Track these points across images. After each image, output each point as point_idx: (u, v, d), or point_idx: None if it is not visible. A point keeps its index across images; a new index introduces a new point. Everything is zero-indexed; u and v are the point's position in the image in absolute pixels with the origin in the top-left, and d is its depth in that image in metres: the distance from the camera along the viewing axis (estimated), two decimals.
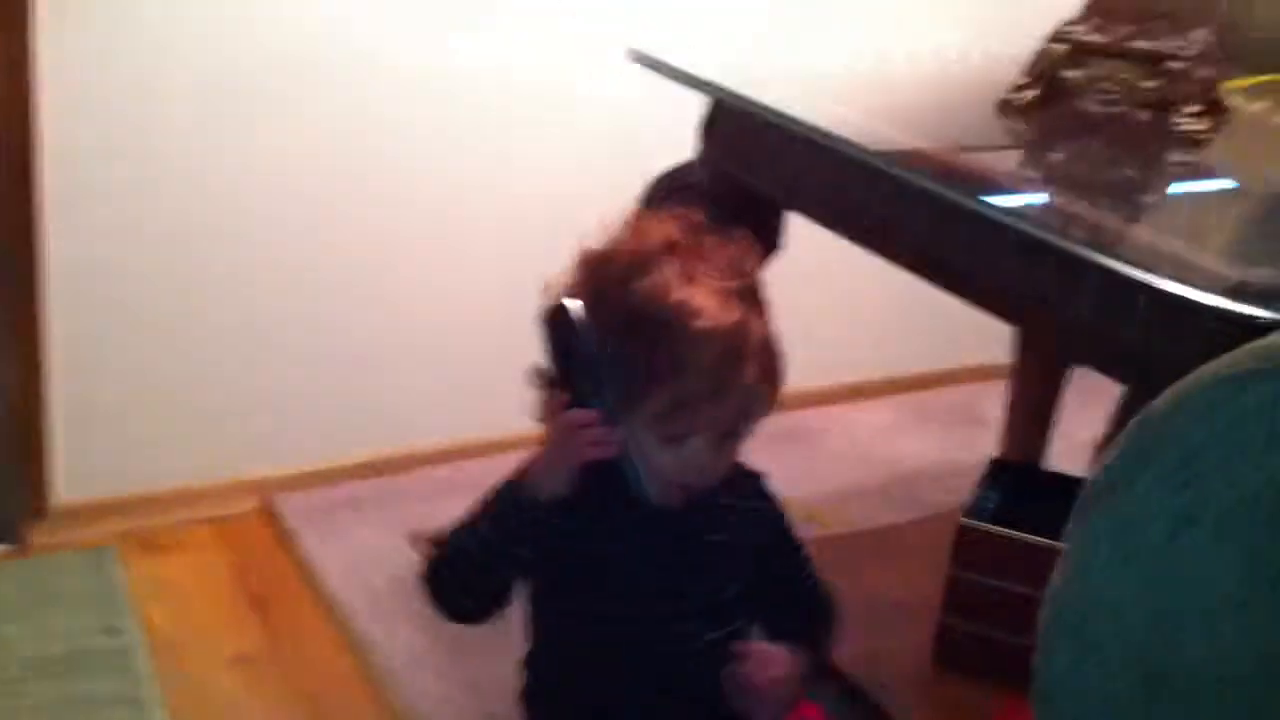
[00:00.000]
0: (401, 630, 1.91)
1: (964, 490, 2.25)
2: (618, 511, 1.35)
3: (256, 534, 2.18)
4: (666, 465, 1.32)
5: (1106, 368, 1.27)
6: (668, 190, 1.81)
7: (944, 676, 1.71)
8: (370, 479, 2.30)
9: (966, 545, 1.68)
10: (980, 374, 2.84)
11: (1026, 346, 2.07)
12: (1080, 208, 1.35)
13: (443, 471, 2.32)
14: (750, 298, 1.31)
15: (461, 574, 1.36)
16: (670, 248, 1.30)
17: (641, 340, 1.27)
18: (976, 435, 2.58)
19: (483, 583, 1.36)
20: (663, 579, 1.40)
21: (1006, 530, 1.67)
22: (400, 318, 2.29)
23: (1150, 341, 1.17)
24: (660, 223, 1.35)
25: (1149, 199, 1.50)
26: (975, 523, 1.69)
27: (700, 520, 1.40)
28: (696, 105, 1.74)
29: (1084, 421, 2.09)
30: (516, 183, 2.30)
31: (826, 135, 1.48)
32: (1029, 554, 1.65)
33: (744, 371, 1.28)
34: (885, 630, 1.78)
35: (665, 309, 1.27)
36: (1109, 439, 1.18)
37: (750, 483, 1.47)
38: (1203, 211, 1.46)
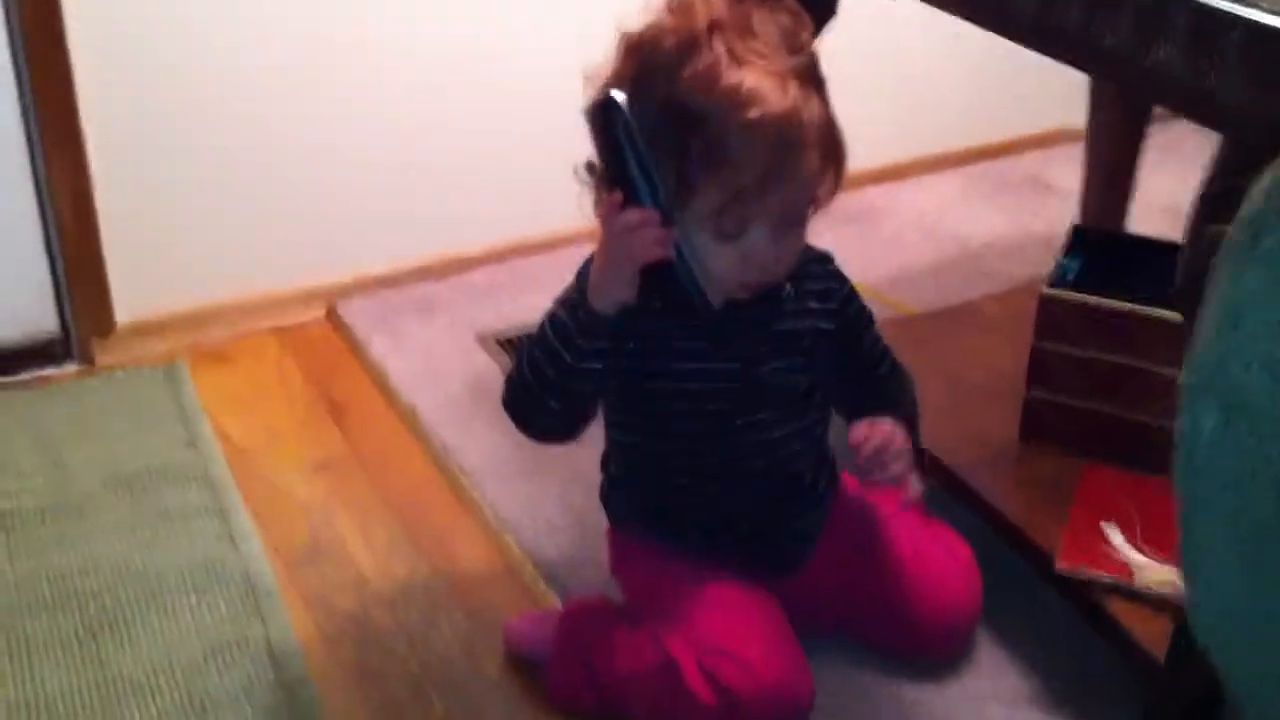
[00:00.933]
0: (479, 432, 1.90)
1: (1039, 262, 2.19)
2: (683, 311, 1.31)
3: (324, 341, 2.16)
4: (727, 263, 1.28)
5: (1197, 114, 1.18)
6: None
7: (1030, 452, 1.68)
8: (431, 281, 2.27)
9: (1050, 315, 1.63)
10: (1048, 140, 2.76)
11: (1102, 106, 1.99)
12: None
13: (501, 272, 2.29)
14: (805, 77, 1.25)
15: (539, 394, 1.33)
16: (716, 26, 1.22)
17: (691, 131, 1.21)
18: (1049, 204, 2.52)
19: (562, 400, 1.33)
20: (731, 375, 1.38)
21: (1091, 297, 1.61)
22: (446, 121, 2.23)
23: (1244, 85, 1.09)
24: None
25: None
26: (1059, 291, 1.64)
27: (766, 311, 1.37)
28: None
29: (1164, 186, 2.05)
30: None
31: None
32: (1116, 321, 1.60)
33: (803, 159, 1.23)
34: (967, 409, 1.75)
35: (714, 96, 1.20)
36: (1210, 192, 1.13)
37: (818, 266, 1.42)
38: None
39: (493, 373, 2.03)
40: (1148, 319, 1.59)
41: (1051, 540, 1.50)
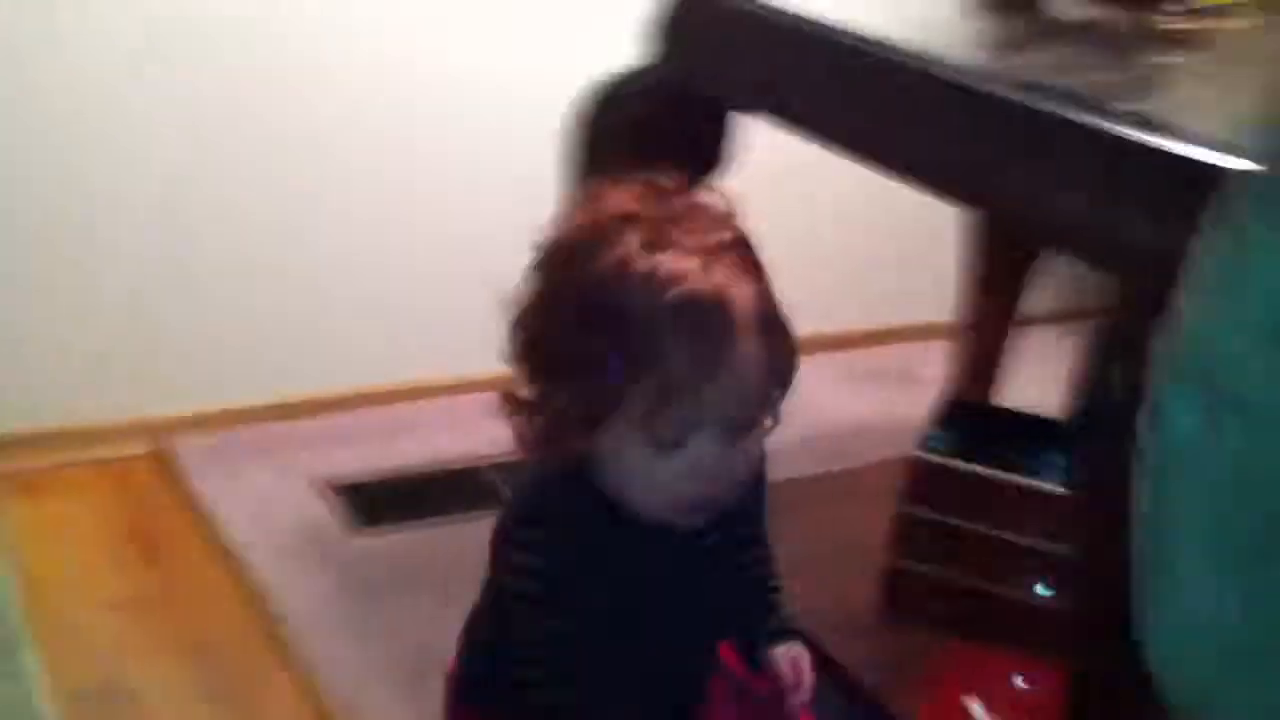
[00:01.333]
0: (305, 580, 1.75)
1: (905, 446, 2.15)
2: (640, 546, 1.15)
3: (147, 477, 2.01)
4: (671, 479, 1.10)
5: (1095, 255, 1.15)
6: (607, 102, 1.67)
7: (892, 625, 1.59)
8: (270, 423, 2.13)
9: (919, 480, 1.57)
10: (918, 333, 2.75)
11: (981, 288, 1.97)
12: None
13: (347, 420, 2.17)
14: (733, 257, 1.08)
15: None
16: (628, 214, 1.08)
17: (604, 331, 1.05)
18: (915, 394, 2.48)
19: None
20: (691, 605, 1.27)
21: (960, 462, 1.55)
22: (300, 260, 2.14)
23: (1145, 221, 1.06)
24: (617, 191, 1.12)
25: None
26: (928, 455, 1.58)
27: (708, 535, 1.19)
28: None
29: (1028, 387, 2.04)
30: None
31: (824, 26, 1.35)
32: (984, 489, 1.54)
33: (737, 345, 1.06)
34: (829, 578, 1.66)
35: (626, 285, 1.05)
36: (1107, 332, 1.08)
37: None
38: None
39: (327, 521, 1.89)
40: (1017, 487, 1.53)
41: (912, 713, 1.40)
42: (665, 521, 1.13)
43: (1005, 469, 1.55)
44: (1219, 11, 1.60)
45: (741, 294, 1.07)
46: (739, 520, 1.27)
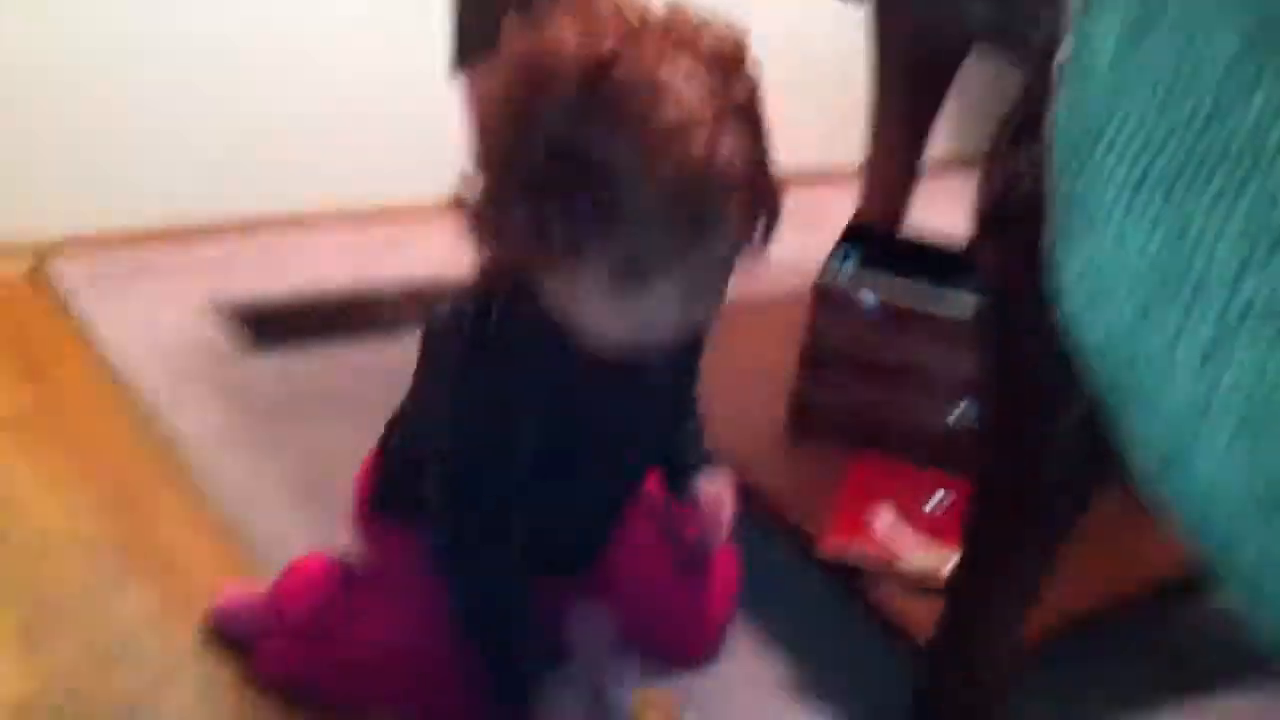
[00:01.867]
0: (197, 400, 1.70)
1: (808, 282, 2.14)
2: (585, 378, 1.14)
3: (25, 299, 1.92)
4: (624, 325, 1.06)
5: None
6: None
7: (799, 443, 1.59)
8: (159, 246, 2.05)
9: (822, 306, 1.56)
10: (823, 177, 2.73)
11: (888, 117, 1.94)
12: None
13: (238, 244, 2.09)
14: (733, 111, 1.01)
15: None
16: (628, 46, 0.99)
17: (583, 182, 0.98)
18: (821, 235, 2.47)
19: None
20: (628, 439, 1.24)
21: (865, 289, 1.55)
22: (200, 73, 2.04)
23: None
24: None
25: None
26: (831, 282, 1.57)
27: (654, 371, 1.20)
28: None
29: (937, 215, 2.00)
30: None
31: None
32: (887, 315, 1.53)
33: (722, 215, 1.01)
34: (735, 399, 1.64)
35: (616, 142, 0.97)
36: (1015, 116, 1.06)
37: None
38: None
39: (217, 344, 1.83)
40: (921, 313, 1.53)
41: (817, 526, 1.40)
42: (611, 356, 1.10)
43: (909, 294, 1.54)
44: None
45: (733, 154, 1.00)
46: (684, 357, 1.25)
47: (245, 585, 1.37)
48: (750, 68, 1.05)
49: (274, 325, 1.90)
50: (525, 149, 1.00)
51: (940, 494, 1.47)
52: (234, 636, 1.32)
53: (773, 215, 1.08)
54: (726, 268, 1.07)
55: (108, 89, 1.99)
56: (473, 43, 1.59)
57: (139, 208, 2.05)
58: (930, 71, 1.84)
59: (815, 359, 1.58)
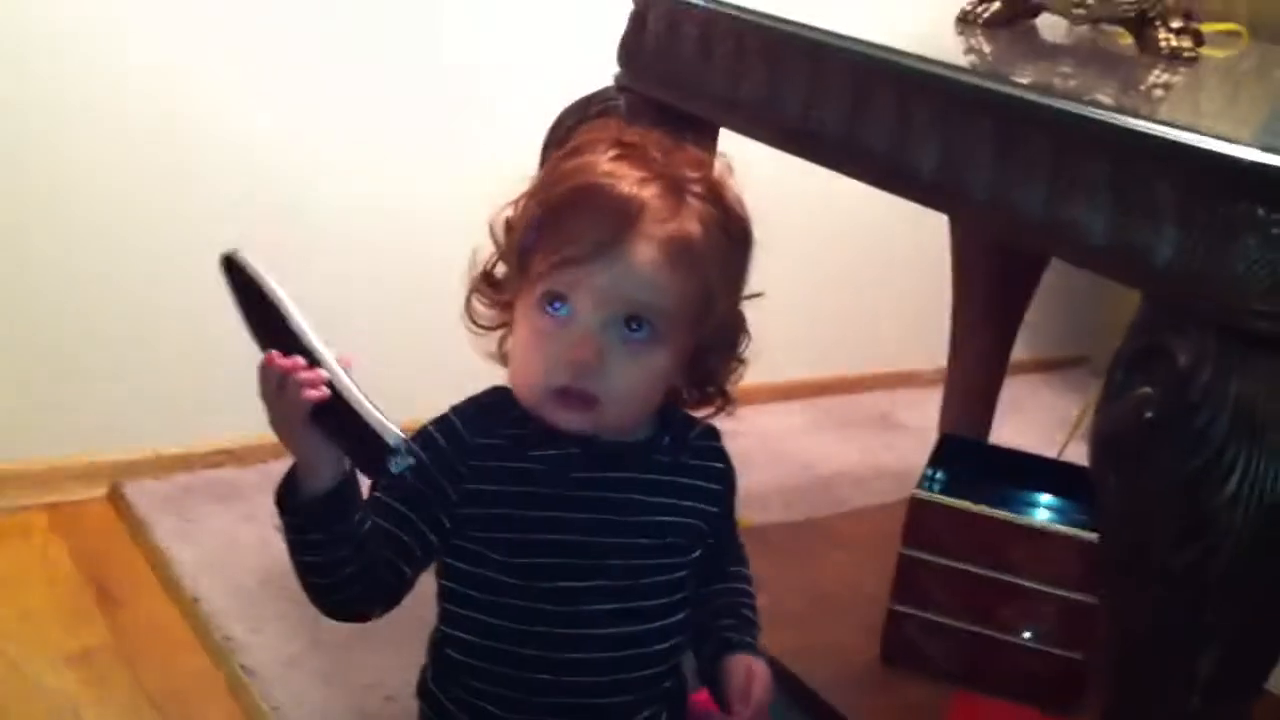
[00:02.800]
0: (269, 629, 1.66)
1: (886, 492, 2.08)
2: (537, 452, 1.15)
3: (102, 523, 1.90)
4: (549, 343, 1.12)
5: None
6: (578, 122, 1.61)
7: (893, 673, 1.51)
8: (231, 466, 2.04)
9: (919, 520, 1.50)
10: (897, 380, 2.70)
11: (974, 326, 1.91)
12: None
13: None
14: (676, 189, 1.13)
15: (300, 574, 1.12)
16: (617, 140, 1.16)
17: (539, 198, 1.15)
18: (899, 440, 2.43)
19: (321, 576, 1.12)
20: (583, 535, 1.19)
21: (962, 502, 1.49)
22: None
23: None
24: (609, 128, 1.21)
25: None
26: (930, 495, 1.51)
27: (639, 459, 1.20)
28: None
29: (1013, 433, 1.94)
30: None
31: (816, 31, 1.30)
32: (987, 528, 1.48)
33: (633, 245, 1.11)
34: (826, 625, 1.59)
35: (566, 166, 1.15)
36: (1127, 349, 1.01)
37: (702, 438, 1.26)
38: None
39: (289, 567, 1.79)
40: (1019, 527, 1.47)
41: None
42: (547, 416, 1.13)
43: (1005, 508, 1.48)
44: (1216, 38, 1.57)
45: (660, 209, 1.12)
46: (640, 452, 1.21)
47: None
48: (705, 173, 1.17)
49: None
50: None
51: None
52: None
53: (726, 322, 1.19)
54: (653, 323, 1.13)
55: (185, 303, 2.00)
56: None
57: (207, 429, 2.04)
58: (1014, 277, 1.81)
59: (910, 580, 1.51)
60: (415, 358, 2.00)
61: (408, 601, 1.72)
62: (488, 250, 1.20)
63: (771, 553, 1.66)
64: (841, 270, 2.60)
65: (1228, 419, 0.91)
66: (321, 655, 1.60)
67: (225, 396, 2.03)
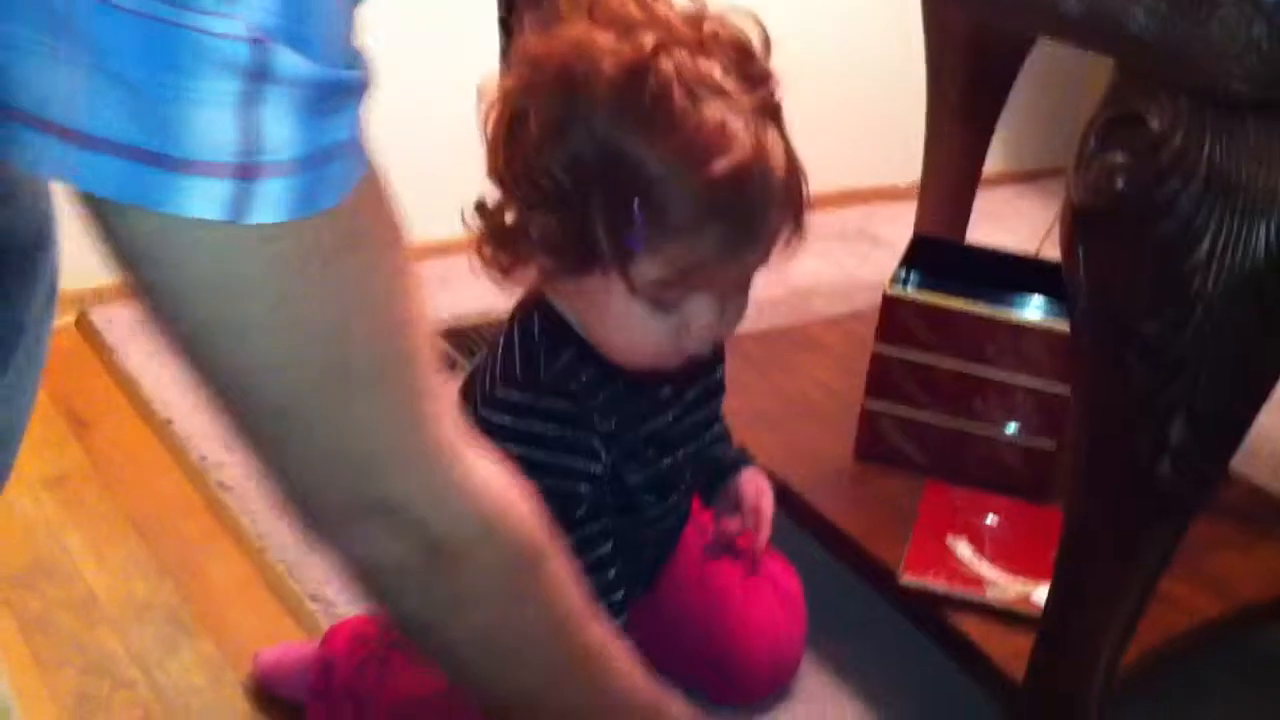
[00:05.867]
0: (242, 446, 1.65)
1: (863, 303, 2.07)
2: (626, 400, 1.12)
3: (71, 351, 1.89)
4: (659, 336, 1.03)
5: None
6: None
7: (868, 469, 1.52)
8: None
9: (893, 318, 1.48)
10: (874, 195, 2.67)
11: (948, 130, 1.87)
12: None
13: None
14: (768, 110, 1.00)
15: None
16: (665, 46, 0.94)
17: (633, 187, 0.94)
18: (876, 254, 2.42)
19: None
20: (674, 456, 1.20)
21: (936, 296, 1.48)
22: None
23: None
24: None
25: None
26: (902, 291, 1.50)
27: (700, 388, 1.21)
28: None
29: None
30: None
31: None
32: (961, 323, 1.46)
33: (769, 220, 0.99)
34: (800, 426, 1.58)
35: (667, 146, 0.93)
36: (1100, 118, 0.99)
37: None
38: None
39: None
40: (993, 321, 1.46)
41: (895, 555, 1.33)
42: (640, 370, 1.08)
43: (980, 302, 1.47)
44: None
45: (776, 158, 0.98)
46: (710, 369, 1.22)
47: (286, 644, 1.32)
48: (772, 65, 1.02)
49: None
50: (563, 155, 0.95)
51: (1014, 518, 1.40)
52: (281, 694, 1.27)
53: (800, 211, 1.05)
54: (756, 271, 1.05)
55: None
56: None
57: None
58: (988, 77, 1.77)
59: (884, 377, 1.51)
60: None
61: None
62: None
63: (746, 359, 1.65)
64: (815, 84, 2.55)
65: (1199, 185, 0.89)
66: None
67: None
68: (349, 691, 1.20)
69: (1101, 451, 1.00)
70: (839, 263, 2.40)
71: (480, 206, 1.03)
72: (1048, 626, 1.10)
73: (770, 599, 1.34)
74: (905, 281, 1.57)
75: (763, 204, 0.97)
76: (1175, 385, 0.93)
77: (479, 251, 1.04)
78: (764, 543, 1.27)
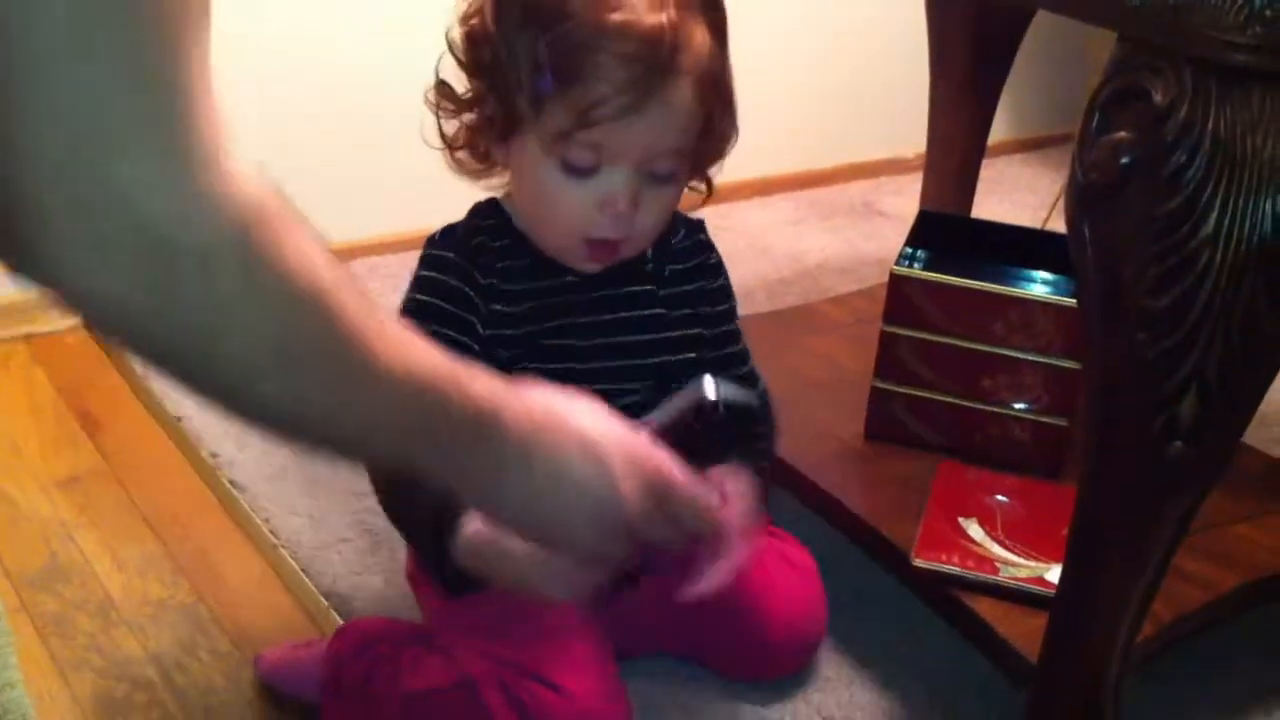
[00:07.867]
0: (254, 444, 1.65)
1: (870, 278, 2.07)
2: (533, 284, 1.15)
3: (80, 350, 1.88)
4: (573, 206, 1.08)
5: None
6: None
7: (879, 449, 1.51)
8: None
9: (900, 296, 1.48)
10: (878, 169, 2.66)
11: (951, 94, 1.86)
12: None
13: None
14: (694, 3, 1.07)
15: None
16: None
17: (545, 31, 1.03)
18: (882, 228, 2.40)
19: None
20: (602, 360, 1.19)
21: (943, 275, 1.47)
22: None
23: None
24: None
25: None
26: (909, 270, 1.49)
27: (632, 290, 1.19)
28: None
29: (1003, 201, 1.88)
30: None
31: None
32: (969, 300, 1.46)
33: (672, 88, 1.04)
34: (810, 407, 1.58)
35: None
36: (1102, 93, 0.98)
37: (687, 233, 1.25)
38: None
39: None
40: (1001, 298, 1.45)
41: (907, 537, 1.33)
42: (565, 258, 1.14)
43: (986, 280, 1.46)
44: None
45: (689, 40, 1.04)
46: (638, 264, 1.20)
47: (289, 644, 1.32)
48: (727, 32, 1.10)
49: None
50: (496, 23, 1.05)
51: (1027, 497, 1.40)
52: (287, 693, 1.28)
53: (724, 120, 1.12)
54: (678, 163, 1.10)
55: None
56: None
57: None
58: (990, 48, 1.76)
59: (893, 357, 1.50)
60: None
61: None
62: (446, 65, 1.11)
63: (754, 340, 1.64)
64: (820, 57, 2.53)
65: (1205, 157, 0.89)
66: (308, 466, 1.60)
67: None
68: (360, 691, 1.20)
69: (1113, 428, 0.99)
70: (846, 238, 2.39)
71: (441, 83, 1.12)
72: (1062, 606, 1.10)
73: (787, 579, 1.33)
74: (912, 260, 1.56)
75: (655, 68, 1.02)
76: (1186, 360, 0.92)
77: (451, 157, 1.13)
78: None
